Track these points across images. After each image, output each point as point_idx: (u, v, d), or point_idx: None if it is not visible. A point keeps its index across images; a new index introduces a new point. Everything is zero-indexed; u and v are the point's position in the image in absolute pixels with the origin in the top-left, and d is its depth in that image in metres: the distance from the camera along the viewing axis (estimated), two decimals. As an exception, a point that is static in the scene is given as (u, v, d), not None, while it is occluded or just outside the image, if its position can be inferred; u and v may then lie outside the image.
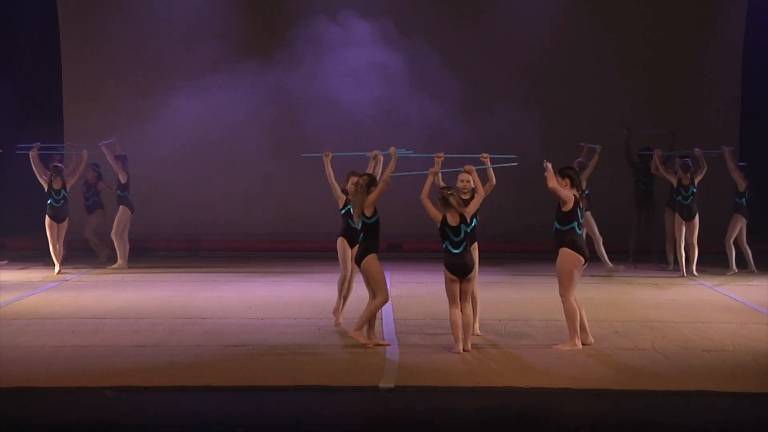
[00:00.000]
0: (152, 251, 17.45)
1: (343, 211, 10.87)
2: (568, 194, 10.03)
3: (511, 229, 17.84)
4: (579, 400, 8.50)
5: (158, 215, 18.47)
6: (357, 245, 10.26)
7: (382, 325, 11.13)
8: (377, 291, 10.11)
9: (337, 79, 17.49)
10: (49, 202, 15.17)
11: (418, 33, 18.29)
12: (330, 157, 10.97)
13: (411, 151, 10.93)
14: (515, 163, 10.50)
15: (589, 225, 15.10)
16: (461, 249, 9.77)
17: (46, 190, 15.17)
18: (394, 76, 17.38)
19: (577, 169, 15.21)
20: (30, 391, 8.54)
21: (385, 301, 10.16)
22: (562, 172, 10.18)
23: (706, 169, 14.98)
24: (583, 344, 10.03)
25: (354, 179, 10.29)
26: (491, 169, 10.21)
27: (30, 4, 19.42)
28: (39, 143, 15.27)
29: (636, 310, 12.24)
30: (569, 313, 10.07)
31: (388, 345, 10.07)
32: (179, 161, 18.89)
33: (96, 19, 19.42)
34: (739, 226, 15.15)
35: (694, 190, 14.81)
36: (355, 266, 10.56)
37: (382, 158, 10.97)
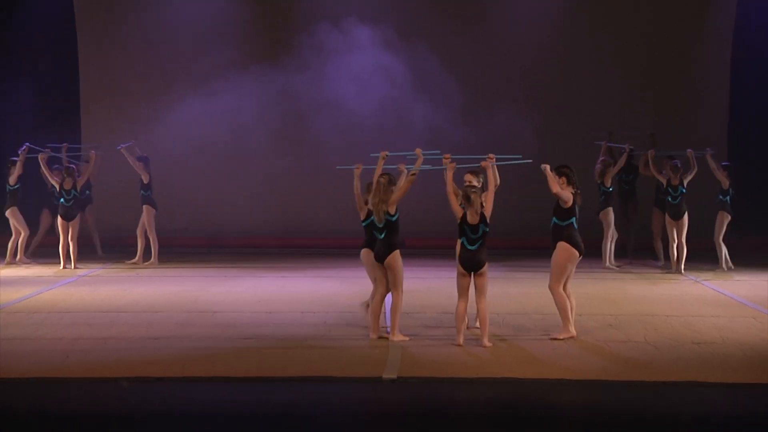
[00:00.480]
0: (169, 247, 17.41)
1: (365, 223, 10.48)
2: (568, 195, 10.05)
3: (508, 226, 17.81)
4: (574, 390, 8.49)
5: (172, 213, 18.46)
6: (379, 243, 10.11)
7: (385, 319, 11.11)
8: (396, 286, 10.05)
9: (340, 84, 17.46)
10: (60, 201, 15.18)
11: (419, 38, 18.24)
12: (360, 170, 10.56)
13: (438, 150, 10.63)
14: (530, 160, 10.35)
15: (607, 219, 15.12)
16: (476, 246, 9.76)
17: (57, 190, 15.17)
18: (396, 80, 17.35)
19: (602, 167, 15.33)
20: (48, 382, 8.55)
21: (402, 295, 10.12)
22: (558, 171, 10.18)
23: (696, 170, 14.94)
24: None
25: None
26: (496, 169, 10.12)
27: (48, 9, 19.41)
28: (49, 150, 15.40)
29: (629, 304, 12.22)
30: (560, 304, 10.09)
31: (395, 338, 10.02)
32: (190, 162, 18.87)
33: (112, 23, 19.40)
34: (725, 224, 15.11)
35: (683, 190, 14.77)
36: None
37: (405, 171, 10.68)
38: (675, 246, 14.84)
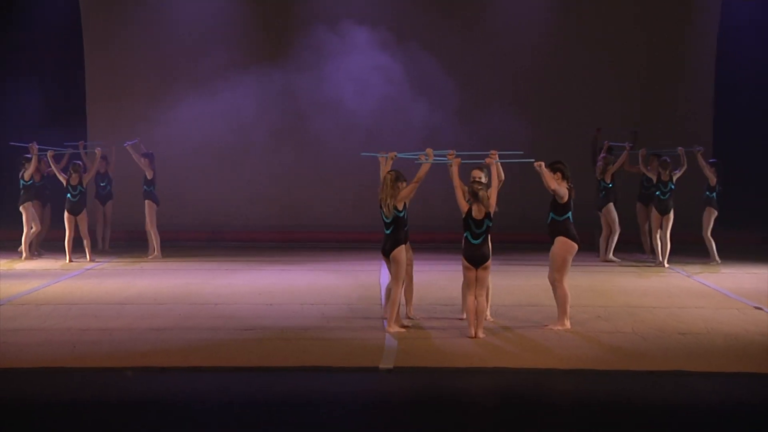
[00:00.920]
0: (172, 241, 17.40)
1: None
2: (564, 190, 10.04)
3: (502, 221, 17.76)
4: (564, 379, 8.50)
5: (175, 209, 18.46)
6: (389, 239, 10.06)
7: (382, 311, 11.10)
8: (397, 280, 10.00)
9: (339, 84, 17.45)
10: (67, 196, 15.17)
11: (416, 39, 18.24)
12: (385, 160, 10.41)
13: (448, 150, 10.46)
14: (533, 160, 10.25)
15: (611, 215, 15.13)
16: (480, 240, 9.75)
17: (65, 185, 15.17)
18: (394, 80, 17.34)
19: (603, 164, 15.31)
20: (56, 371, 8.54)
21: (402, 288, 10.11)
22: (553, 167, 10.16)
23: (686, 167, 14.93)
24: None
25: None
26: (500, 166, 10.06)
27: (54, 10, 19.38)
28: (53, 151, 15.41)
29: (617, 296, 12.23)
30: (561, 297, 10.08)
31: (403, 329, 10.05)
32: (192, 159, 18.86)
33: (117, 25, 19.37)
34: (712, 219, 15.11)
35: (672, 186, 14.77)
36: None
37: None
38: (659, 239, 14.86)
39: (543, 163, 10.09)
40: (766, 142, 19.00)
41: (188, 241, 17.92)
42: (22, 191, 15.42)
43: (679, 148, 15.07)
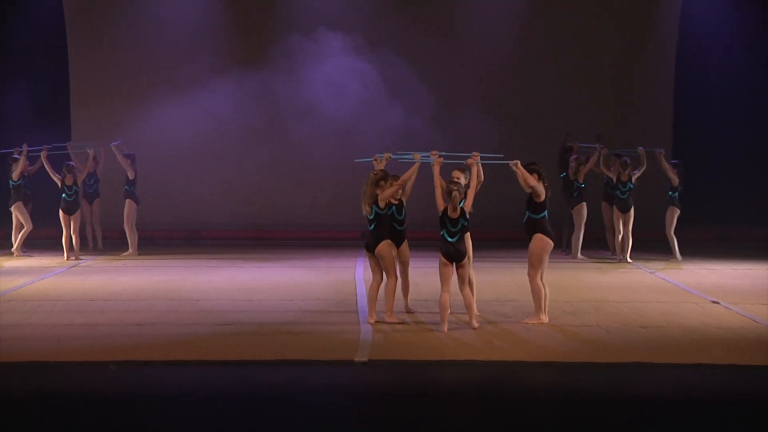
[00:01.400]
0: (151, 240, 17.37)
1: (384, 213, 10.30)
2: (541, 188, 10.09)
3: (474, 219, 17.80)
4: (533, 370, 8.55)
5: (157, 207, 18.42)
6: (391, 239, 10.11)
7: (357, 306, 11.14)
8: (389, 273, 10.07)
9: (317, 88, 17.45)
10: (63, 196, 15.12)
11: (390, 45, 18.26)
12: (379, 160, 10.50)
13: (435, 152, 10.42)
14: (517, 161, 10.17)
15: (581, 215, 15.19)
16: (456, 238, 9.78)
17: (60, 186, 15.11)
18: (369, 85, 17.35)
19: (575, 165, 15.38)
20: (42, 365, 8.52)
21: (396, 281, 10.15)
22: (529, 168, 10.17)
23: (645, 167, 15.05)
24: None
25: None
26: (481, 167, 10.07)
27: (39, 15, 19.27)
28: (46, 147, 15.40)
29: (582, 291, 12.31)
30: (536, 292, 10.13)
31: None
32: (173, 160, 18.81)
33: (101, 28, 19.27)
34: (675, 218, 15.23)
35: (632, 186, 14.88)
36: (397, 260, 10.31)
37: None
38: (621, 237, 14.97)
39: (519, 162, 10.14)
40: (723, 144, 19.19)
41: (168, 239, 17.87)
42: (12, 191, 15.38)
43: (640, 148, 15.19)
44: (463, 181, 10.08)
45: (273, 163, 19.14)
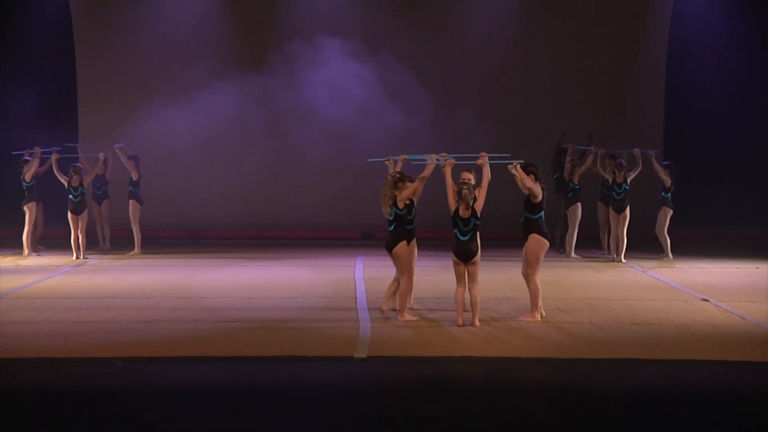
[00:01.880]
0: (156, 239, 17.39)
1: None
2: (539, 190, 10.13)
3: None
4: (528, 366, 8.59)
5: (159, 208, 18.44)
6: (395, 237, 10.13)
7: (356, 304, 11.18)
8: (403, 273, 10.11)
9: (316, 91, 17.49)
10: (69, 197, 15.17)
11: (388, 49, 18.30)
12: (392, 162, 10.58)
13: (445, 154, 10.46)
14: (522, 161, 10.21)
15: (575, 215, 15.21)
16: (468, 237, 9.84)
17: (66, 187, 15.16)
18: (368, 88, 17.39)
19: (570, 166, 15.41)
20: (50, 362, 8.57)
21: (411, 282, 10.20)
22: (526, 170, 10.21)
23: (640, 168, 15.08)
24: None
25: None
26: (488, 167, 10.05)
27: (46, 16, 19.30)
28: (57, 150, 15.45)
29: (575, 289, 12.34)
30: (534, 291, 10.18)
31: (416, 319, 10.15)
32: (177, 161, 18.84)
33: (108, 30, 19.28)
34: (668, 218, 15.27)
35: (627, 187, 14.91)
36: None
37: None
38: (616, 237, 15.01)
39: (518, 165, 10.19)
40: (714, 146, 19.24)
41: (171, 238, 17.90)
42: (25, 192, 15.45)
43: (635, 149, 15.24)
44: (472, 181, 10.15)
45: (273, 164, 19.17)
